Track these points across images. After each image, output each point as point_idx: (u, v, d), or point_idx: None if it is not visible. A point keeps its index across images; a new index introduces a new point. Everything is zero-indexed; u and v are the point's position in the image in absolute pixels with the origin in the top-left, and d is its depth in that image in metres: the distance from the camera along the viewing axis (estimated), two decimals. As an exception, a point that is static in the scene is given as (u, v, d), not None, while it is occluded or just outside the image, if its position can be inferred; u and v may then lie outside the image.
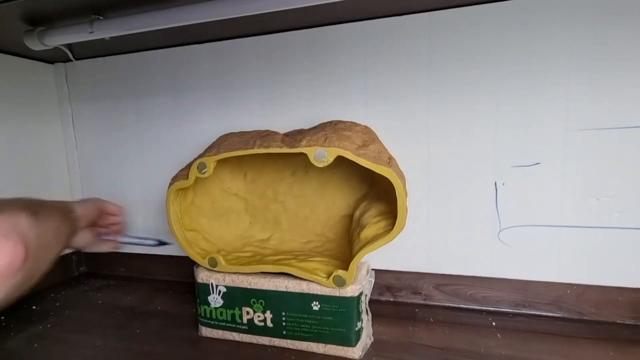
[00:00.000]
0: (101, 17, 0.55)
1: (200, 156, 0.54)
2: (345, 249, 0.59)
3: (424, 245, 0.64)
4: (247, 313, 0.54)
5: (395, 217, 0.48)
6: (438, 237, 0.63)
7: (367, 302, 0.53)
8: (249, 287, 0.53)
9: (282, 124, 0.67)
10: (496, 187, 0.59)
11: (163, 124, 0.76)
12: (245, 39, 0.68)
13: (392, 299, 0.67)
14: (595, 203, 0.56)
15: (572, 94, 0.54)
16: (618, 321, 0.57)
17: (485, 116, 0.58)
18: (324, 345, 0.51)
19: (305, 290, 0.51)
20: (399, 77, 0.61)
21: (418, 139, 0.62)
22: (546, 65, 0.55)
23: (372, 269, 0.58)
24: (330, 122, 0.58)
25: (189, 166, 0.54)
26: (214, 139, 0.60)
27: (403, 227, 0.48)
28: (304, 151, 0.48)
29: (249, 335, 0.55)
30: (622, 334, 0.54)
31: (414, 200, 0.62)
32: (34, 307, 0.69)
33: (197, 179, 0.54)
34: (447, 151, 0.61)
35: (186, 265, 0.77)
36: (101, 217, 0.53)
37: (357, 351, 0.50)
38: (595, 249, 0.57)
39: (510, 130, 0.57)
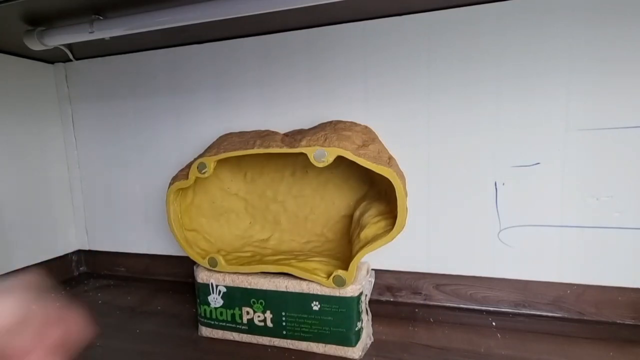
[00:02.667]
0: (101, 17, 0.55)
1: (200, 156, 0.54)
2: (345, 249, 0.59)
3: (424, 245, 0.64)
4: (247, 313, 0.54)
5: (395, 217, 0.48)
6: (438, 237, 0.63)
7: (367, 302, 0.53)
8: (249, 287, 0.53)
9: (282, 124, 0.67)
10: (496, 187, 0.59)
11: (163, 123, 0.76)
12: (245, 39, 0.68)
13: (392, 299, 0.67)
14: (595, 203, 0.56)
15: (572, 94, 0.54)
16: (618, 321, 0.57)
17: (485, 116, 0.58)
18: (324, 345, 0.51)
19: (305, 290, 0.51)
20: (399, 77, 0.61)
21: (418, 139, 0.62)
22: (546, 65, 0.55)
23: (372, 269, 0.58)
24: (330, 122, 0.58)
25: (188, 166, 0.54)
26: (214, 139, 0.60)
27: (403, 227, 0.48)
28: (303, 151, 0.48)
29: (249, 335, 0.55)
30: (622, 334, 0.54)
31: (414, 200, 0.62)
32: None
33: (197, 179, 0.54)
34: (447, 151, 0.61)
35: (186, 265, 0.77)
36: None
37: (357, 351, 0.50)
38: (595, 249, 0.57)
39: (510, 130, 0.57)
